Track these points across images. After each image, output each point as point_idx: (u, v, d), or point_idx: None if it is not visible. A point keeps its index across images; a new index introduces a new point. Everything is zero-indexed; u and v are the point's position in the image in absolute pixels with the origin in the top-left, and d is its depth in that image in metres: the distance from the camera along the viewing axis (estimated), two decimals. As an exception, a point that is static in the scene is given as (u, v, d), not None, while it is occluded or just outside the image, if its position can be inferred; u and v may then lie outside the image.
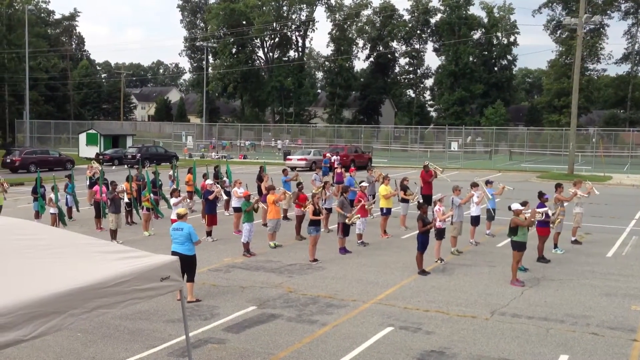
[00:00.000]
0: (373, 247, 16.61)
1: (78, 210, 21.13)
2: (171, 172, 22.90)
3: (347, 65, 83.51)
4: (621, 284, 12.95)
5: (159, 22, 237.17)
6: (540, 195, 15.06)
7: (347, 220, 15.67)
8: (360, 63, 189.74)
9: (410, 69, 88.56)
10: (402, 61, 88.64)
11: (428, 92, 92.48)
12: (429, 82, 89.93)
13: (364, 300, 11.68)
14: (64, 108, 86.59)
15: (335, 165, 27.95)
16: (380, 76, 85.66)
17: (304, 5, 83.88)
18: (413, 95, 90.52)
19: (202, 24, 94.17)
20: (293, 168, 40.53)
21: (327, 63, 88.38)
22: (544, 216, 14.30)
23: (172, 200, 16.45)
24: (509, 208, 13.10)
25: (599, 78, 76.82)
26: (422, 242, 13.57)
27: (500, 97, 78.14)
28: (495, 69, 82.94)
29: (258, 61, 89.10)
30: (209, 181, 18.85)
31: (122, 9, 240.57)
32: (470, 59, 78.35)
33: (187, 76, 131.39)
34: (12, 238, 6.41)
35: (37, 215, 19.41)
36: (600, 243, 17.31)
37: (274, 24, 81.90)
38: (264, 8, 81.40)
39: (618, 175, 38.77)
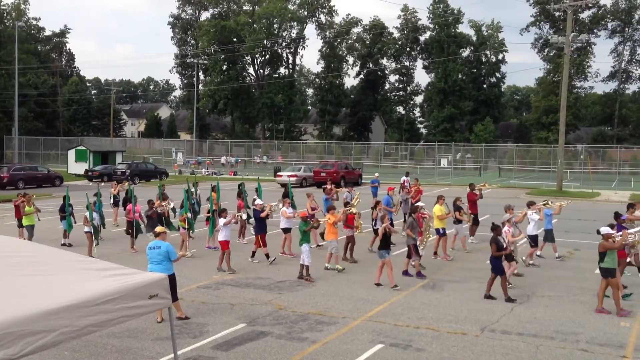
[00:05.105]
0: (364, 265, 16.53)
1: (104, 228, 20.01)
2: (193, 189, 20.90)
3: (337, 82, 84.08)
4: (610, 301, 12.95)
5: (149, 39, 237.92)
6: (617, 216, 14.42)
7: (419, 245, 14.92)
8: (351, 80, 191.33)
9: (400, 86, 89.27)
10: (392, 78, 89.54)
11: (418, 109, 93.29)
12: (419, 99, 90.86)
13: (354, 317, 11.64)
14: (53, 124, 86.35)
15: (406, 185, 26.07)
16: (370, 93, 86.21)
17: (295, 23, 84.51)
18: (403, 112, 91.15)
19: (192, 41, 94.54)
20: (283, 184, 40.65)
21: (317, 80, 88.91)
22: (637, 237, 13.09)
23: (221, 221, 15.44)
24: (598, 232, 12.25)
25: (587, 95, 77.77)
26: (497, 267, 12.80)
27: (489, 114, 78.86)
28: (484, 86, 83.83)
29: (248, 78, 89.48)
30: (259, 201, 17.81)
31: (113, 25, 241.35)
32: (460, 76, 79.11)
33: (177, 93, 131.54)
34: (-1, 255, 6.35)
35: (66, 235, 19.04)
36: (588, 259, 17.34)
37: (265, 41, 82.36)
38: (255, 25, 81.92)
39: (606, 192, 39.04)
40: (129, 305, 5.86)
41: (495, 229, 13.08)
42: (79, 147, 53.71)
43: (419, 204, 16.26)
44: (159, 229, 11.87)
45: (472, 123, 79.13)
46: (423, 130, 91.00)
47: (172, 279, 11.17)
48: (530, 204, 16.37)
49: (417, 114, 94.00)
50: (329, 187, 26.14)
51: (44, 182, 41.28)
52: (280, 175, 43.45)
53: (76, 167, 51.35)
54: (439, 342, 10.26)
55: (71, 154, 53.47)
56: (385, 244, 13.88)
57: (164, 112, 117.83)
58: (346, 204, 17.45)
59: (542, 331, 10.86)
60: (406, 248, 15.23)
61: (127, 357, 9.50)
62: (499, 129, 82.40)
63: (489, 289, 12.99)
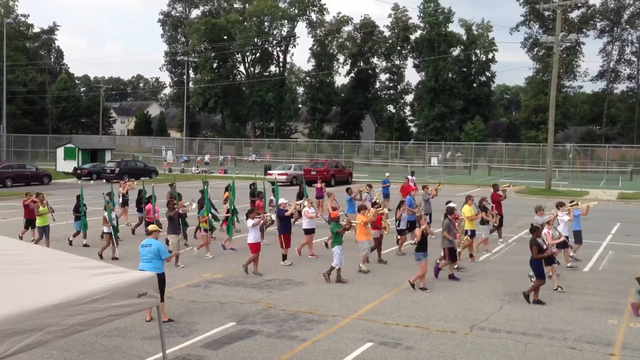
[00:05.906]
0: (356, 264, 16.53)
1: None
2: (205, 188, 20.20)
3: (327, 80, 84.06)
4: (598, 299, 13.08)
5: (139, 36, 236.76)
6: None
7: (458, 248, 14.59)
8: (341, 78, 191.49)
9: (391, 84, 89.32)
10: (383, 77, 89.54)
11: (408, 108, 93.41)
12: (409, 97, 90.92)
13: (343, 315, 11.65)
14: (41, 122, 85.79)
15: (413, 186, 24.47)
16: (360, 92, 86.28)
17: (285, 21, 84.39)
18: (393, 110, 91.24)
19: (183, 39, 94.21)
20: (273, 182, 40.52)
21: (308, 78, 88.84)
22: None
23: (249, 222, 14.94)
24: None
25: (576, 95, 78.24)
26: (539, 270, 12.46)
27: (479, 113, 79.08)
28: (474, 85, 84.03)
29: (239, 76, 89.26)
30: (283, 200, 17.56)
31: (102, 22, 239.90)
32: (450, 75, 79.30)
33: (167, 90, 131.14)
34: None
35: (77, 235, 18.61)
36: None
37: (255, 39, 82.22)
38: (245, 23, 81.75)
39: (594, 191, 39.30)
40: (118, 304, 5.84)
41: (535, 230, 12.77)
42: (68, 145, 53.32)
43: (451, 204, 15.61)
44: (151, 227, 11.81)
45: (462, 122, 79.37)
46: (413, 129, 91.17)
47: (161, 278, 11.11)
48: (559, 205, 16.14)
49: (408, 113, 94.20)
50: (321, 185, 25.99)
51: (32, 180, 40.97)
52: (271, 174, 43.40)
53: (65, 165, 50.98)
54: (429, 340, 10.29)
55: (60, 151, 53.05)
56: (423, 246, 13.59)
57: (154, 110, 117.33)
58: (374, 204, 17.19)
59: (531, 329, 10.92)
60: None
61: (116, 356, 9.45)
62: (489, 127, 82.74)
63: (537, 294, 12.63)
